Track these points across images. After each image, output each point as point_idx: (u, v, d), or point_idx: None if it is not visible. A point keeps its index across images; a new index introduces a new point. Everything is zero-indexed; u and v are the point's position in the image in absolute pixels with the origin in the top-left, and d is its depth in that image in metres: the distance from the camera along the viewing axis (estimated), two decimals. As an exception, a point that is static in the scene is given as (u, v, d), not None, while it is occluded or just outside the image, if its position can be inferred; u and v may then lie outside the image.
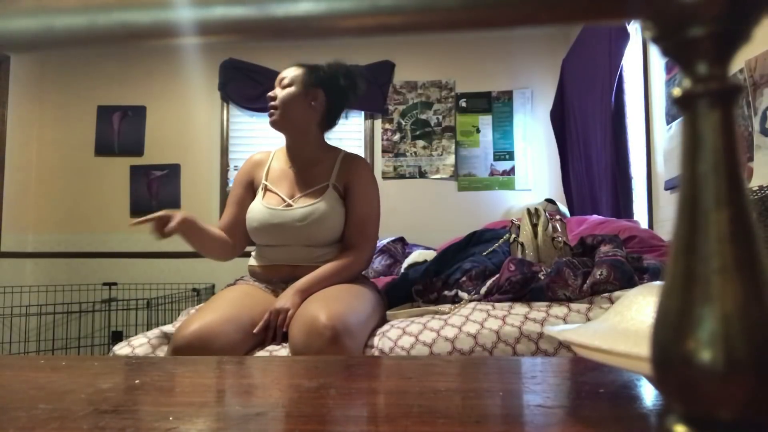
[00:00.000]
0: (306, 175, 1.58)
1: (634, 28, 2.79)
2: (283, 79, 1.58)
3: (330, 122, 1.65)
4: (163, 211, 1.40)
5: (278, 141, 1.66)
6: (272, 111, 1.57)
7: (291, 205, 1.53)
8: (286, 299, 1.36)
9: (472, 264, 1.60)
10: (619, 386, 0.49)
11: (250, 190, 1.63)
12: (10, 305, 3.58)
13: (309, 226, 1.49)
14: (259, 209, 1.54)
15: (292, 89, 1.56)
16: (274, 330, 1.33)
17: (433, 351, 1.27)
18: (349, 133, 4.16)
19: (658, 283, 0.41)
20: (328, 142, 1.68)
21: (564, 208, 3.49)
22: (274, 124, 1.58)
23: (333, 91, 1.60)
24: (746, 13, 0.22)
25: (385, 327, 1.38)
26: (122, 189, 4.18)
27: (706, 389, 0.22)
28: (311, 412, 0.42)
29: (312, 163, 1.60)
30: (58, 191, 4.20)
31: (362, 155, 4.09)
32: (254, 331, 1.31)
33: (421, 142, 4.18)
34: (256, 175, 1.64)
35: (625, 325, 0.41)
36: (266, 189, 1.59)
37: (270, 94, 1.58)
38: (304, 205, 1.51)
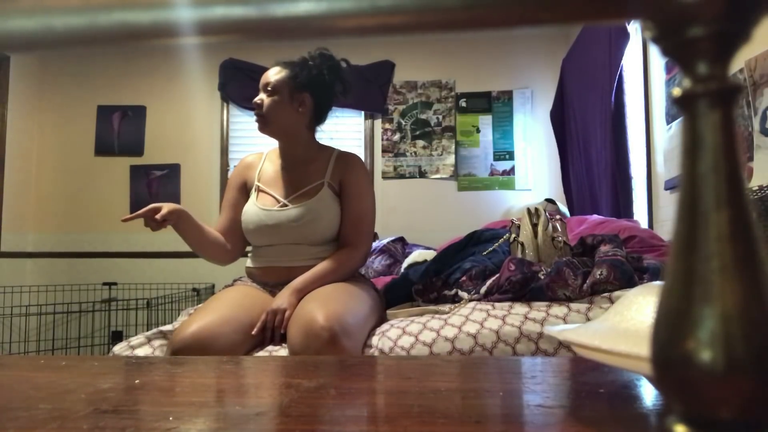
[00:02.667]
0: (300, 174, 1.58)
1: (634, 28, 2.79)
2: (267, 84, 1.54)
3: (319, 120, 1.63)
4: (152, 204, 1.41)
5: (275, 142, 1.66)
6: (258, 120, 1.56)
7: (286, 205, 1.53)
8: (282, 299, 1.36)
9: (472, 264, 1.60)
10: (619, 386, 0.49)
11: (244, 192, 1.62)
12: (10, 305, 3.58)
13: (305, 225, 1.49)
14: (253, 211, 1.54)
15: (277, 98, 1.53)
16: (272, 331, 1.33)
17: (432, 351, 1.27)
18: (349, 133, 4.16)
19: (658, 283, 0.41)
20: (324, 141, 1.67)
21: (564, 208, 3.49)
22: (263, 132, 1.57)
23: (319, 91, 1.57)
24: (746, 13, 0.22)
25: (385, 327, 1.38)
26: (122, 189, 4.18)
27: (706, 389, 0.22)
28: (311, 412, 0.42)
29: (305, 163, 1.59)
30: (58, 191, 4.20)
31: (362, 155, 4.10)
32: (252, 332, 1.31)
33: (421, 142, 4.18)
34: (248, 177, 1.63)
35: (625, 325, 0.41)
36: (259, 190, 1.58)
37: (256, 100, 1.55)
38: (299, 205, 1.51)
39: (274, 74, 1.55)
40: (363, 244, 1.54)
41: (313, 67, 1.56)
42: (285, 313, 1.33)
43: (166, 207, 1.41)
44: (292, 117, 1.55)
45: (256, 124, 1.58)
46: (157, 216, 1.38)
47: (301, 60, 1.57)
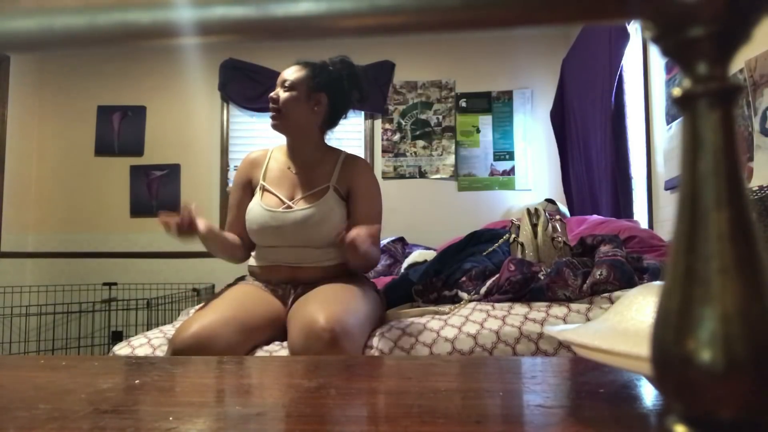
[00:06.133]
0: (306, 176, 1.58)
1: (634, 28, 2.79)
2: (285, 81, 1.55)
3: (331, 123, 1.64)
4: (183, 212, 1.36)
5: (279, 140, 1.66)
6: (274, 114, 1.56)
7: (291, 207, 1.52)
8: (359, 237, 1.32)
9: (472, 264, 1.60)
10: (619, 386, 0.49)
11: (249, 189, 1.62)
12: (10, 305, 3.57)
13: (309, 228, 1.49)
14: (258, 211, 1.53)
15: (294, 94, 1.53)
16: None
17: (433, 351, 1.27)
18: (349, 133, 4.16)
19: (658, 283, 0.41)
20: (328, 141, 1.68)
21: (564, 208, 3.49)
22: (276, 127, 1.58)
23: (336, 95, 1.58)
24: (746, 13, 0.22)
25: (385, 327, 1.38)
26: (122, 189, 4.18)
27: (706, 389, 0.22)
28: (311, 412, 0.42)
29: (312, 164, 1.59)
30: (58, 191, 4.20)
31: (362, 155, 4.10)
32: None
33: (421, 142, 4.18)
34: (254, 175, 1.63)
35: (625, 325, 0.41)
36: (264, 189, 1.58)
37: (272, 95, 1.55)
38: (304, 207, 1.50)
39: (292, 72, 1.56)
40: (376, 245, 1.55)
41: (332, 71, 1.58)
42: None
43: (202, 224, 1.38)
44: (307, 115, 1.56)
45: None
46: (194, 227, 1.35)
47: (321, 62, 1.59)
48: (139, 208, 4.15)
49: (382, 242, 2.98)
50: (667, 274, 0.24)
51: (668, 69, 2.55)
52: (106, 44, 0.28)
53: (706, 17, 0.22)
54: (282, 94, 1.54)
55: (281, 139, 1.65)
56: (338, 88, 1.58)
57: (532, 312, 1.35)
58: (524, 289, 1.43)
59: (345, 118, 1.67)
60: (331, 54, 1.61)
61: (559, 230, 1.69)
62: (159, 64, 4.20)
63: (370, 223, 1.54)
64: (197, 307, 1.42)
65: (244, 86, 4.10)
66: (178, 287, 3.89)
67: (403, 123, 4.21)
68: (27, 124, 4.13)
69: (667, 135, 2.54)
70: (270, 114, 1.57)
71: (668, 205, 2.60)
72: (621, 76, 2.98)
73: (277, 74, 1.60)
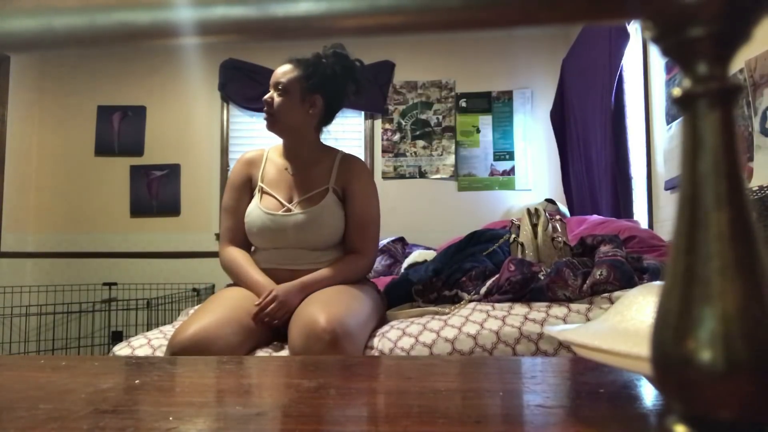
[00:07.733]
0: (304, 177, 1.56)
1: (634, 28, 2.79)
2: (278, 83, 1.52)
3: (327, 121, 1.63)
4: (267, 299, 1.37)
5: (278, 140, 1.65)
6: (268, 117, 1.54)
7: (290, 210, 1.51)
8: (293, 295, 1.38)
9: (472, 264, 1.60)
10: (619, 386, 0.49)
11: (247, 190, 1.60)
12: (10, 305, 3.57)
13: (310, 230, 1.48)
14: (258, 214, 1.52)
15: (288, 98, 1.51)
16: (267, 319, 1.35)
17: (432, 352, 1.27)
18: (349, 133, 4.16)
19: (658, 283, 0.41)
20: (326, 141, 1.67)
21: (564, 208, 3.49)
22: (271, 130, 1.56)
23: (331, 93, 1.56)
24: (746, 13, 0.22)
25: (385, 328, 1.38)
26: (122, 189, 4.18)
27: (706, 389, 0.22)
28: (311, 412, 0.42)
29: (310, 164, 1.58)
30: (58, 191, 4.20)
31: (362, 155, 4.10)
32: (251, 317, 1.33)
33: (421, 142, 4.18)
34: (252, 175, 1.60)
35: (625, 325, 0.41)
36: (263, 191, 1.56)
37: (266, 98, 1.53)
38: (304, 210, 1.49)
39: (285, 73, 1.53)
40: (370, 250, 1.54)
41: (326, 67, 1.53)
42: (289, 310, 1.35)
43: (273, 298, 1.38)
44: (302, 118, 1.54)
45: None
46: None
47: (315, 58, 1.54)
48: (139, 208, 4.15)
49: (382, 242, 2.98)
50: (667, 274, 0.24)
51: (668, 69, 2.55)
52: (106, 44, 0.28)
53: (706, 17, 0.22)
54: (276, 98, 1.52)
55: (280, 139, 1.64)
56: (333, 86, 1.55)
57: (532, 312, 1.35)
58: (524, 289, 1.43)
59: (340, 112, 1.65)
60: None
61: (559, 230, 1.69)
62: (159, 64, 4.20)
63: (365, 227, 1.53)
64: (197, 307, 1.42)
65: (244, 86, 4.10)
66: (178, 287, 3.89)
67: (403, 123, 4.21)
68: (27, 124, 4.13)
69: (667, 135, 2.54)
70: (264, 116, 1.55)
71: (668, 205, 2.60)
72: (621, 76, 2.98)
73: None
